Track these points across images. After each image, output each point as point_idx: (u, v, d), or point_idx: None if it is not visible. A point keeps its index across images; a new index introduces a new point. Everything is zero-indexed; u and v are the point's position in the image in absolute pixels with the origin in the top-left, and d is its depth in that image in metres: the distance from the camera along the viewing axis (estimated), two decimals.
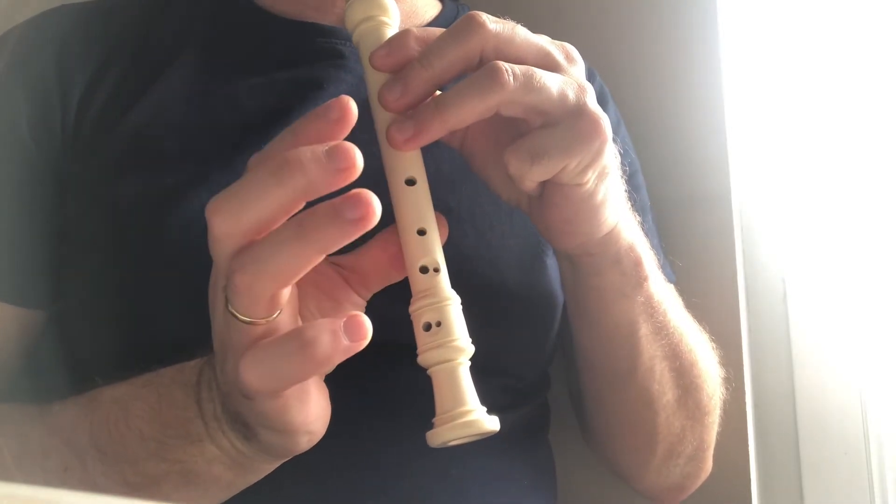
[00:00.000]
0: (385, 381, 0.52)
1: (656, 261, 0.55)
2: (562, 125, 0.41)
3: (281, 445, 0.41)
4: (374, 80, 0.43)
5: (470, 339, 0.40)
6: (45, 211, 0.56)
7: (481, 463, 0.55)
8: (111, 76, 0.58)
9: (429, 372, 0.40)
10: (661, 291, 0.55)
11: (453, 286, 0.41)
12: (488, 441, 0.56)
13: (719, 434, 0.67)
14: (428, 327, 0.40)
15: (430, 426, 0.40)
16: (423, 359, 0.40)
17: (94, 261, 0.54)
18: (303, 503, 0.46)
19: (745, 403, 0.73)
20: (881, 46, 0.80)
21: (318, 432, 0.41)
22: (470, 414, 0.39)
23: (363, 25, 0.46)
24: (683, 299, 0.63)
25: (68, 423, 0.46)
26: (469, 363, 0.41)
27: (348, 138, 0.54)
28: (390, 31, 0.45)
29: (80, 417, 0.46)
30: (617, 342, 0.55)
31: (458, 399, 0.39)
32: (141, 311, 0.52)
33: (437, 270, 0.41)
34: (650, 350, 0.56)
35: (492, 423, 0.40)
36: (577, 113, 0.41)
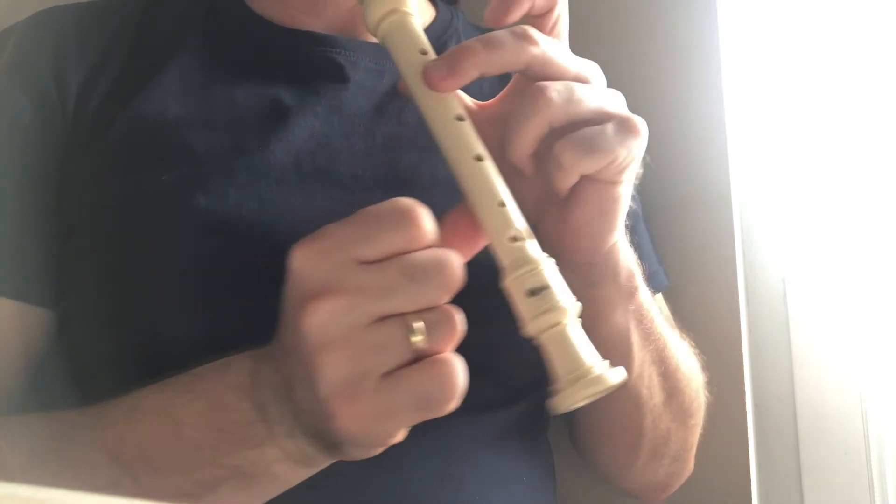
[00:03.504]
0: None
1: (643, 270, 0.56)
2: (610, 124, 0.44)
3: (362, 455, 0.41)
4: (414, 69, 0.44)
5: (574, 298, 0.40)
6: (48, 207, 0.56)
7: (481, 461, 0.55)
8: (108, 73, 0.58)
9: (540, 339, 0.39)
10: (648, 300, 0.57)
11: None
12: (487, 439, 0.56)
13: (719, 434, 0.67)
14: (532, 293, 0.39)
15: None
16: (532, 327, 0.39)
17: (93, 259, 0.54)
18: (304, 498, 0.46)
19: (745, 403, 0.73)
20: (881, 47, 0.80)
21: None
22: (592, 371, 0.38)
23: (388, 20, 0.45)
24: (683, 299, 0.64)
25: (111, 436, 0.45)
26: (579, 320, 0.40)
27: (352, 144, 0.55)
28: (416, 20, 0.46)
29: (124, 430, 0.45)
30: (611, 350, 0.56)
31: (576, 359, 0.39)
32: (139, 311, 0.52)
33: (525, 239, 0.40)
34: (640, 356, 0.57)
35: (616, 376, 0.39)
36: (622, 113, 0.45)
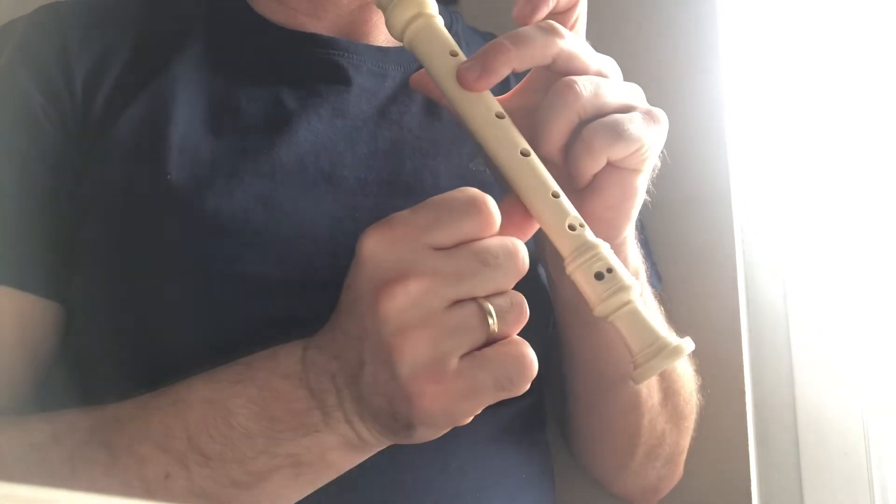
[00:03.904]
0: None
1: (645, 268, 0.57)
2: (636, 112, 0.46)
3: (430, 437, 0.42)
4: (446, 72, 0.45)
5: (633, 276, 0.42)
6: (56, 197, 0.55)
7: (481, 459, 0.55)
8: (112, 69, 0.58)
9: (612, 319, 0.41)
10: (650, 299, 0.57)
11: None
12: (488, 438, 0.56)
13: (719, 434, 0.68)
14: (599, 277, 0.41)
15: None
16: (602, 309, 0.41)
17: (98, 257, 0.54)
18: (305, 498, 0.46)
19: (745, 404, 0.73)
20: (881, 47, 0.80)
21: None
22: (669, 342, 0.40)
23: (414, 24, 0.46)
24: (683, 299, 0.64)
25: (159, 427, 0.45)
26: (642, 298, 0.42)
27: (356, 147, 0.55)
28: (439, 21, 0.46)
29: (172, 421, 0.45)
30: (612, 348, 0.56)
31: (652, 333, 0.41)
32: (143, 311, 0.52)
33: (584, 226, 0.42)
34: None
35: (689, 345, 0.41)
36: (645, 106, 0.47)
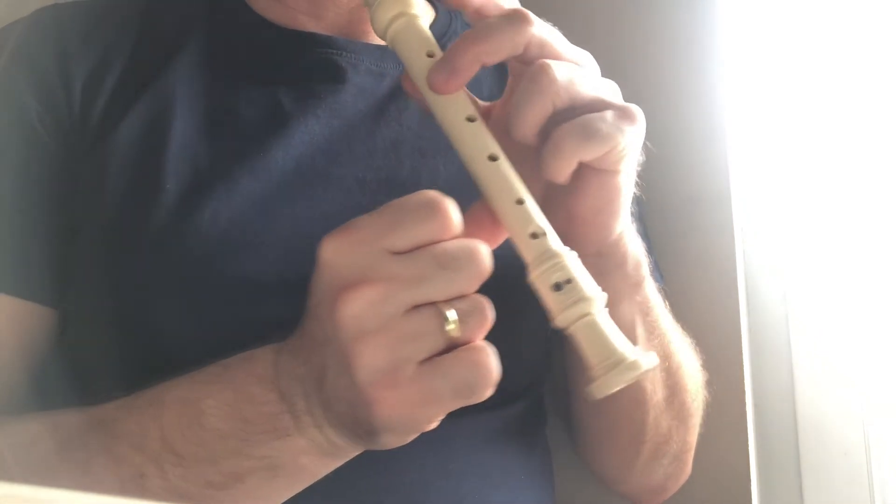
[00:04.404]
0: None
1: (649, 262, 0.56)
2: (609, 111, 0.44)
3: (394, 443, 0.41)
4: (421, 73, 0.44)
5: (599, 287, 0.41)
6: (53, 205, 0.55)
7: (479, 458, 0.55)
8: (112, 73, 0.58)
9: (570, 331, 0.40)
10: (654, 293, 0.57)
11: None
12: (486, 438, 0.56)
13: (719, 434, 0.67)
14: (558, 287, 0.40)
15: None
16: (560, 319, 0.40)
17: (96, 261, 0.54)
18: (303, 495, 0.46)
19: (745, 404, 0.73)
20: (881, 47, 0.80)
21: None
22: (626, 357, 0.39)
23: (396, 23, 0.46)
24: (683, 299, 0.64)
25: (135, 428, 0.45)
26: (606, 309, 0.41)
27: (353, 146, 0.54)
28: (423, 21, 0.46)
29: (148, 421, 0.45)
30: None
31: (609, 347, 0.39)
32: (140, 315, 0.52)
33: (546, 234, 0.41)
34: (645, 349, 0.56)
35: (649, 360, 0.40)
36: (619, 102, 0.45)
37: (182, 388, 0.45)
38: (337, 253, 0.39)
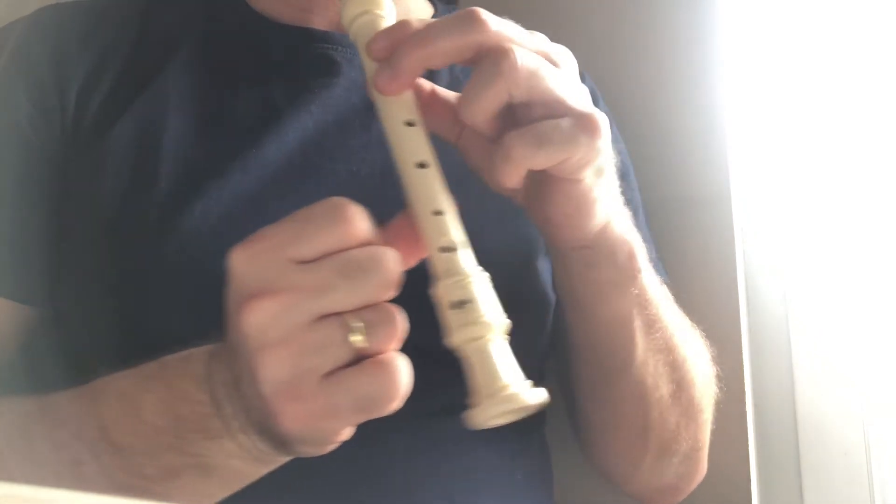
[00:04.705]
0: None
1: (648, 255, 0.55)
2: (567, 119, 0.42)
3: (312, 453, 0.41)
4: (372, 69, 0.43)
5: (504, 314, 0.39)
6: (45, 207, 0.56)
7: (475, 458, 0.55)
8: (109, 73, 0.58)
9: (461, 351, 0.39)
10: (654, 286, 0.56)
11: None
12: (479, 437, 0.56)
13: (719, 434, 0.67)
14: (454, 306, 0.39)
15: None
16: (454, 338, 0.39)
17: (90, 262, 0.54)
18: (295, 498, 0.46)
19: (745, 404, 0.73)
20: (882, 47, 0.80)
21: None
22: (506, 389, 0.38)
23: (359, 20, 0.46)
24: (683, 299, 0.63)
25: (75, 416, 0.46)
26: (506, 338, 0.39)
27: (346, 140, 0.54)
28: (386, 23, 0.45)
29: (89, 411, 0.45)
30: (612, 335, 0.55)
31: (494, 375, 0.38)
32: (132, 312, 0.52)
33: (456, 249, 0.40)
34: (644, 343, 0.56)
35: (534, 396, 0.38)
36: (581, 109, 0.43)
37: (123, 382, 0.45)
38: (243, 263, 0.38)
